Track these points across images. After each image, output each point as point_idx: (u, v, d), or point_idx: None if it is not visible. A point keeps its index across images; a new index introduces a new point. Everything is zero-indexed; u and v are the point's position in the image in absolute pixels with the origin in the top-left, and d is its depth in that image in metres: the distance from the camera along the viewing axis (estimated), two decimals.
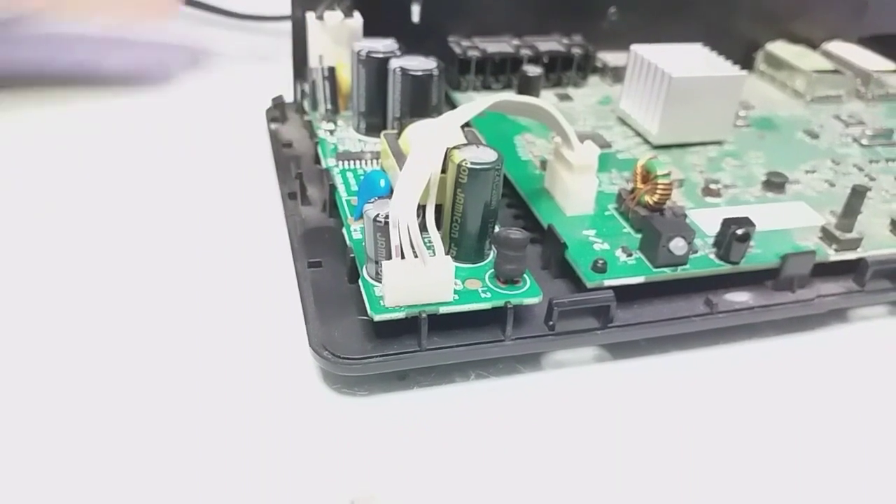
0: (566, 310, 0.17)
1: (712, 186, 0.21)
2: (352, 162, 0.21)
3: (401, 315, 0.16)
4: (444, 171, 0.17)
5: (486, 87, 0.26)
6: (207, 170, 0.24)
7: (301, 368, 0.17)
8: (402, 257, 0.16)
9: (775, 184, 0.22)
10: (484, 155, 0.17)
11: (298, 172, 0.21)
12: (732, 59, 0.25)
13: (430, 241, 0.16)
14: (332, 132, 0.23)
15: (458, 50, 0.26)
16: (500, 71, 0.26)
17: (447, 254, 0.17)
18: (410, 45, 0.22)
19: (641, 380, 0.17)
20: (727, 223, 0.18)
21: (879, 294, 0.19)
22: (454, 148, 0.17)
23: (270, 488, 0.14)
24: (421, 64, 0.21)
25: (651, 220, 0.18)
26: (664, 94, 0.23)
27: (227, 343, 0.17)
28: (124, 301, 0.18)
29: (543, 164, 0.22)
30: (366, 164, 0.21)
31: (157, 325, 0.18)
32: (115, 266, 0.19)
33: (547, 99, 0.26)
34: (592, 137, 0.24)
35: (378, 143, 0.22)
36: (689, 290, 0.18)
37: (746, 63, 0.30)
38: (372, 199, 0.17)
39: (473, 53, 0.26)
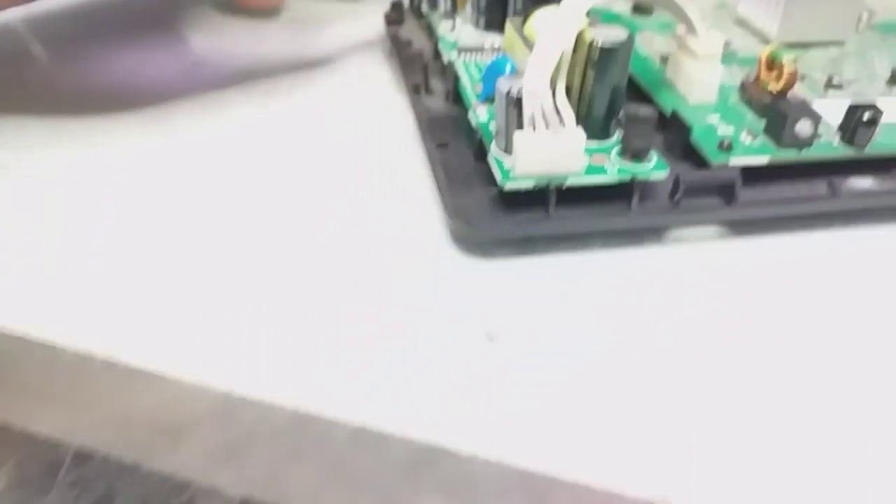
0: (692, 186, 0.17)
1: (835, 81, 0.21)
2: (474, 54, 0.22)
3: (529, 184, 0.17)
4: (574, 50, 0.18)
5: None
6: (334, 78, 0.25)
7: (437, 235, 0.18)
8: (534, 129, 0.16)
9: None
10: (616, 34, 0.17)
11: (424, 65, 0.22)
12: None
13: (562, 114, 0.17)
14: (451, 30, 0.23)
15: None
16: None
17: None
18: None
19: (762, 258, 0.18)
20: (853, 109, 0.18)
21: None
22: (586, 27, 0.18)
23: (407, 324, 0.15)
24: None
25: (777, 102, 0.18)
26: None
27: (371, 216, 0.18)
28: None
29: (664, 59, 0.22)
30: (487, 56, 0.22)
31: (312, 204, 0.19)
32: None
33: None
34: None
35: (498, 40, 0.22)
36: (813, 173, 0.19)
37: None
38: (509, 76, 0.17)
39: None
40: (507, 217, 0.17)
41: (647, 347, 0.15)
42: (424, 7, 0.25)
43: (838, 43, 0.23)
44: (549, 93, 0.16)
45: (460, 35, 0.23)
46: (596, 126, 0.18)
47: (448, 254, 0.17)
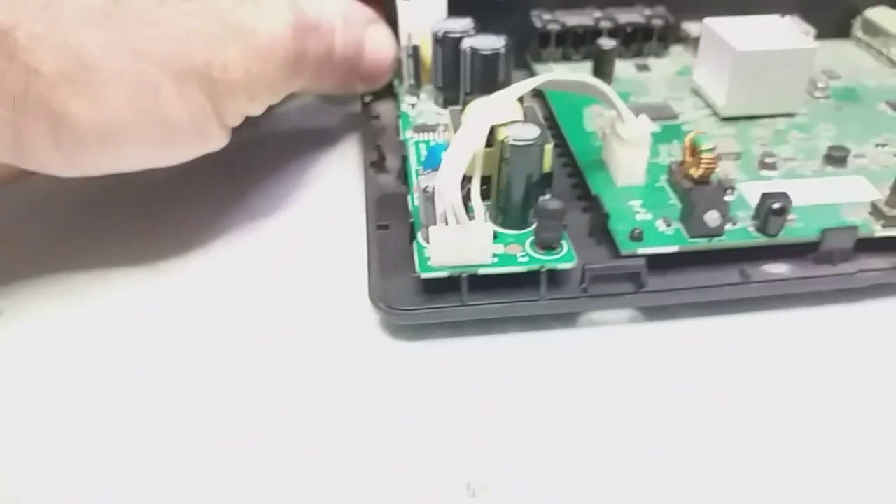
0: (598, 275, 0.19)
1: (768, 160, 0.22)
2: (427, 134, 0.23)
3: (444, 274, 0.18)
4: (492, 145, 0.19)
5: (567, 58, 0.28)
6: (308, 143, 0.27)
7: (365, 318, 0.19)
8: (446, 224, 0.18)
9: (836, 158, 0.22)
10: (527, 132, 0.19)
11: (377, 144, 0.23)
12: (829, 27, 0.25)
13: (474, 209, 0.18)
14: (413, 105, 0.25)
15: (538, 23, 0.27)
16: (580, 43, 0.27)
17: (495, 221, 0.19)
18: (495, 19, 0.24)
19: (672, 342, 0.19)
20: (765, 197, 0.19)
21: None
22: (502, 125, 0.19)
23: (330, 413, 0.17)
24: (491, 43, 0.23)
25: (690, 191, 0.19)
26: (730, 68, 0.23)
27: (301, 293, 0.20)
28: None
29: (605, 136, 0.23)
30: (439, 135, 0.23)
31: (241, 270, 0.21)
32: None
33: (625, 70, 0.27)
34: (661, 108, 0.25)
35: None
36: (728, 260, 0.19)
37: (843, 30, 0.29)
38: (428, 171, 0.19)
39: (553, 27, 0.27)
40: (426, 304, 0.19)
41: (551, 428, 0.16)
42: (395, 82, 0.26)
43: (788, 114, 0.24)
44: (458, 192, 0.18)
45: (421, 112, 0.25)
46: (513, 217, 0.19)
47: (374, 338, 0.19)
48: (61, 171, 0.19)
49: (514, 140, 0.18)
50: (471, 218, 0.18)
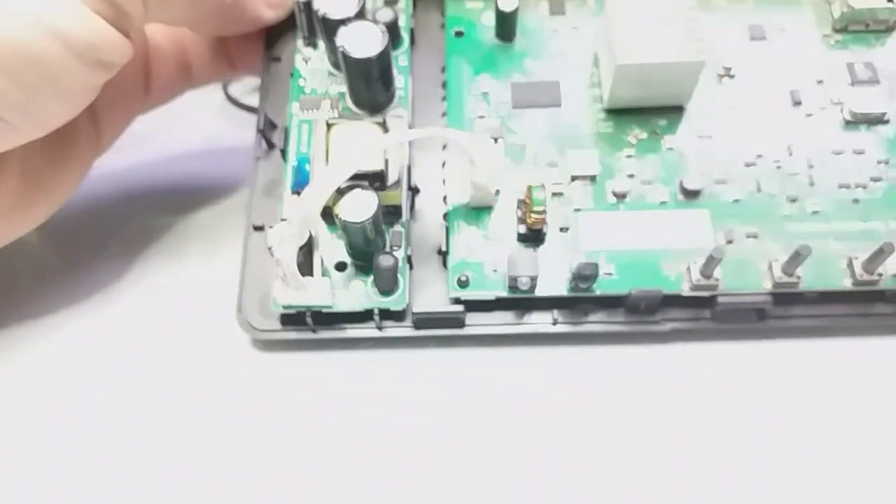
0: (423, 317, 0.22)
1: (618, 190, 0.23)
2: (311, 112, 0.24)
3: (292, 311, 0.22)
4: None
5: None
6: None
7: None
8: (287, 282, 0.21)
9: (689, 191, 0.22)
10: (361, 209, 0.20)
11: (268, 120, 0.24)
12: None
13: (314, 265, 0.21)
14: (307, 61, 0.25)
15: None
16: None
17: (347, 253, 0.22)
18: None
19: (491, 367, 0.23)
20: (579, 266, 0.21)
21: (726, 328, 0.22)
22: (344, 192, 0.21)
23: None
24: (367, 40, 0.22)
25: (510, 255, 0.21)
26: (612, 72, 0.22)
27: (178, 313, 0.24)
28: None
29: None
30: (323, 113, 0.24)
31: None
32: None
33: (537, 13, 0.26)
34: (549, 88, 0.24)
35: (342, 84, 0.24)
36: (545, 306, 0.22)
37: None
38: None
39: None
40: (281, 329, 0.22)
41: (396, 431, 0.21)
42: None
43: (677, 107, 0.24)
44: (292, 260, 0.20)
45: (314, 71, 0.25)
46: (360, 261, 0.22)
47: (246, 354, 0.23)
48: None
49: (346, 217, 0.20)
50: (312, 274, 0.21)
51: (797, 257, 0.20)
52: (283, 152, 0.24)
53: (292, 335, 0.22)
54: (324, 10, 0.23)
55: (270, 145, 0.25)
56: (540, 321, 0.22)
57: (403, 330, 0.22)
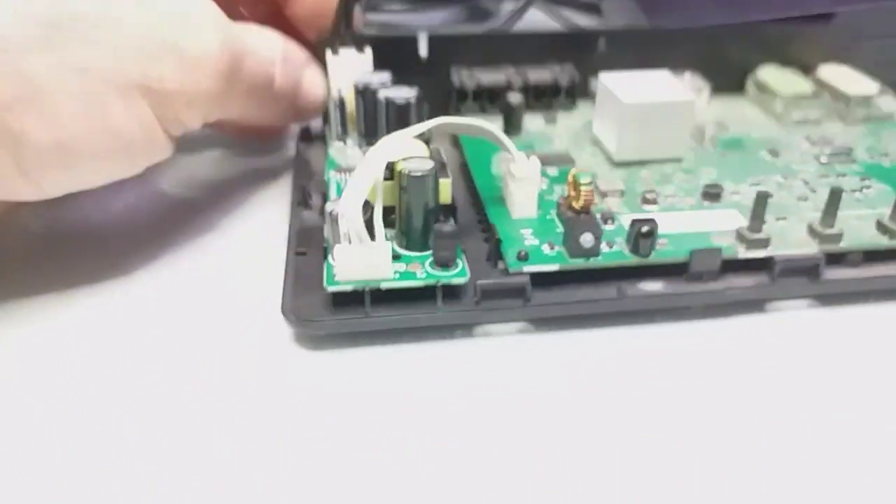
0: (488, 289, 0.21)
1: (649, 196, 0.24)
2: (347, 174, 0.26)
3: (349, 288, 0.20)
4: (393, 178, 0.21)
5: (483, 111, 0.30)
6: (244, 185, 0.29)
7: (280, 331, 0.21)
8: (349, 242, 0.20)
9: (712, 194, 0.24)
10: (422, 165, 0.21)
11: (304, 185, 0.26)
12: (727, 83, 0.29)
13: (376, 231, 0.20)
14: (340, 150, 0.27)
15: (457, 80, 0.30)
16: (496, 98, 0.30)
17: (399, 245, 0.22)
18: (419, 73, 0.27)
19: (557, 351, 0.21)
20: (634, 223, 0.21)
21: (788, 289, 0.22)
22: (402, 160, 0.21)
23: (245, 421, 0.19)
24: (404, 93, 0.25)
25: (569, 219, 0.22)
26: (619, 119, 0.26)
27: (224, 311, 0.22)
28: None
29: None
30: None
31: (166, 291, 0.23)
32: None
33: (535, 122, 0.30)
34: (561, 156, 0.27)
35: None
36: (607, 278, 0.22)
37: (740, 86, 0.33)
38: (336, 198, 0.21)
39: (469, 84, 0.30)
40: (332, 316, 0.21)
41: (450, 435, 0.18)
42: (326, 130, 0.29)
43: (675, 160, 0.27)
44: (359, 213, 0.20)
45: (347, 155, 0.27)
46: (415, 239, 0.21)
47: (285, 347, 0.21)
48: (26, 195, 0.21)
49: (409, 171, 0.21)
50: (373, 239, 0.20)
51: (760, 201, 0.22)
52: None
53: (343, 321, 0.20)
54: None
55: (307, 205, 0.25)
56: (604, 296, 0.21)
57: (462, 313, 0.21)
